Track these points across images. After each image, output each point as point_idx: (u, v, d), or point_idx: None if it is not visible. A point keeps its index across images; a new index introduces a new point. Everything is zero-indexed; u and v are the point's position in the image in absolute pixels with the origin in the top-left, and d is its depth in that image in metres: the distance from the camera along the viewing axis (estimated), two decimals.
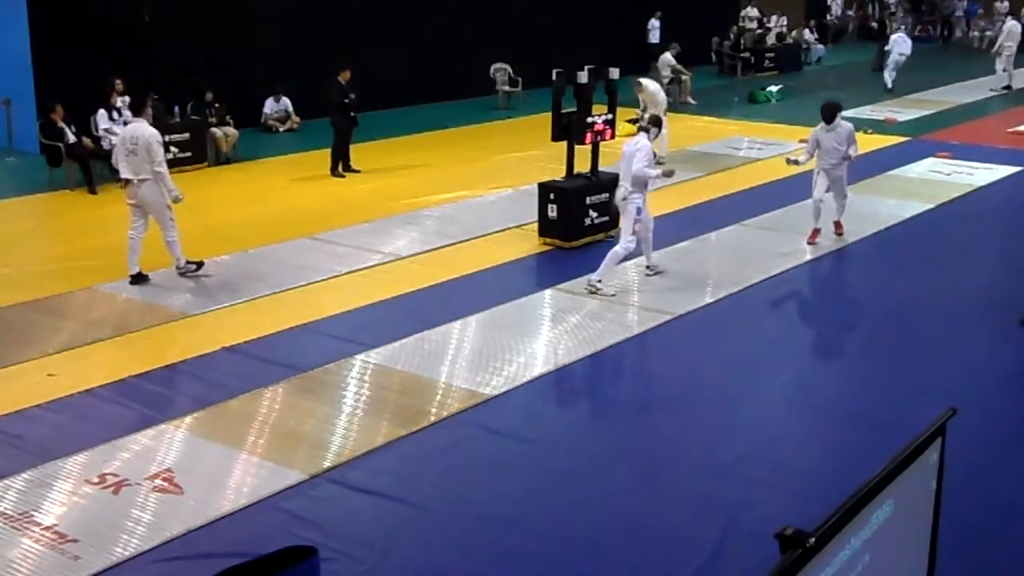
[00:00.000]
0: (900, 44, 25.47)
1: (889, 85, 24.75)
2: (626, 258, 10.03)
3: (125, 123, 12.52)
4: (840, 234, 11.76)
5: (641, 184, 9.77)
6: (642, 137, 9.98)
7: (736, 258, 11.20)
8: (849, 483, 3.01)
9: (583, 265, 10.49)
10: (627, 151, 9.94)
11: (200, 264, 10.38)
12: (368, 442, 6.89)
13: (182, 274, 10.29)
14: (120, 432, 6.95)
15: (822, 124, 11.28)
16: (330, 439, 6.95)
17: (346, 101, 14.58)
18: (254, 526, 5.88)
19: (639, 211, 9.81)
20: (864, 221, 12.49)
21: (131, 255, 10.08)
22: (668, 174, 10.17)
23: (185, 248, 11.23)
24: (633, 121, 18.47)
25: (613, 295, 9.75)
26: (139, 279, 10.07)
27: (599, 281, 9.80)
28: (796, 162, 11.72)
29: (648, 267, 10.45)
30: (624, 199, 9.86)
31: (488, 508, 6.16)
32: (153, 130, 10.14)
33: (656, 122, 10.31)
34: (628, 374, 8.50)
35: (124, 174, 10.05)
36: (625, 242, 9.81)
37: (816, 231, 11.48)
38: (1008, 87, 24.48)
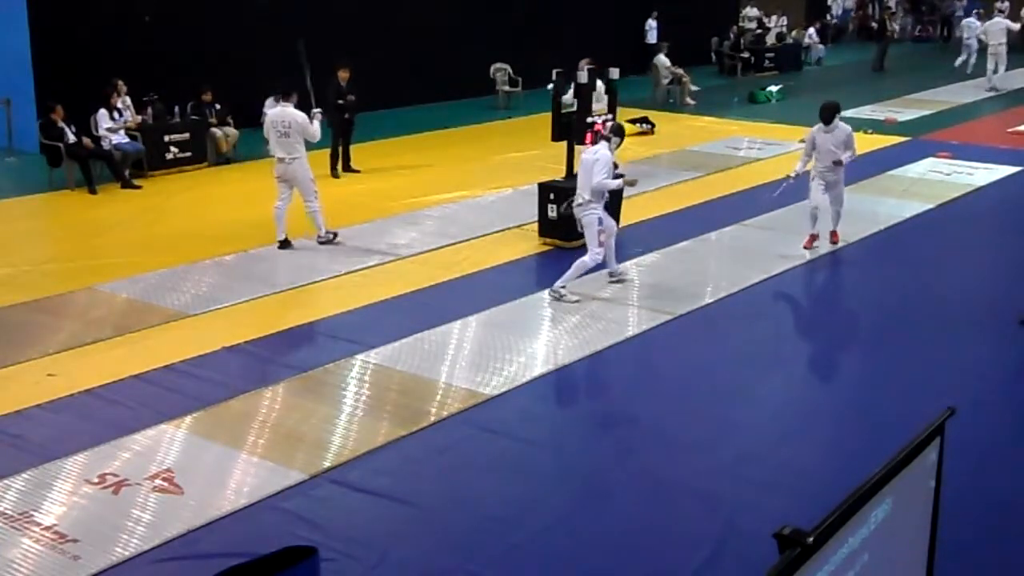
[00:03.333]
0: (967, 28, 26.04)
1: (956, 63, 25.73)
2: (593, 269, 9.82)
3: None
4: (835, 243, 11.49)
5: (599, 195, 9.55)
6: (602, 146, 9.67)
7: (736, 258, 11.20)
8: (849, 482, 3.01)
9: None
10: (586, 160, 9.67)
11: (336, 234, 11.35)
12: (368, 442, 6.89)
13: (322, 243, 11.25)
14: (120, 432, 6.95)
15: (820, 125, 11.06)
16: (330, 439, 6.95)
17: (340, 101, 14.53)
18: (254, 526, 5.89)
19: (600, 222, 9.59)
20: (864, 221, 12.49)
21: (278, 224, 11.15)
22: (631, 183, 9.94)
23: (185, 246, 11.27)
24: (634, 121, 18.54)
25: (576, 301, 9.56)
26: (285, 245, 11.16)
27: (563, 287, 9.63)
28: (796, 176, 11.21)
29: (610, 274, 10.16)
30: (581, 209, 9.61)
31: (488, 508, 6.16)
32: (302, 113, 11.12)
33: (618, 131, 9.96)
34: (628, 374, 8.50)
35: (277, 154, 11.04)
36: (593, 253, 9.57)
37: (813, 236, 11.27)
38: (994, 88, 23.99)
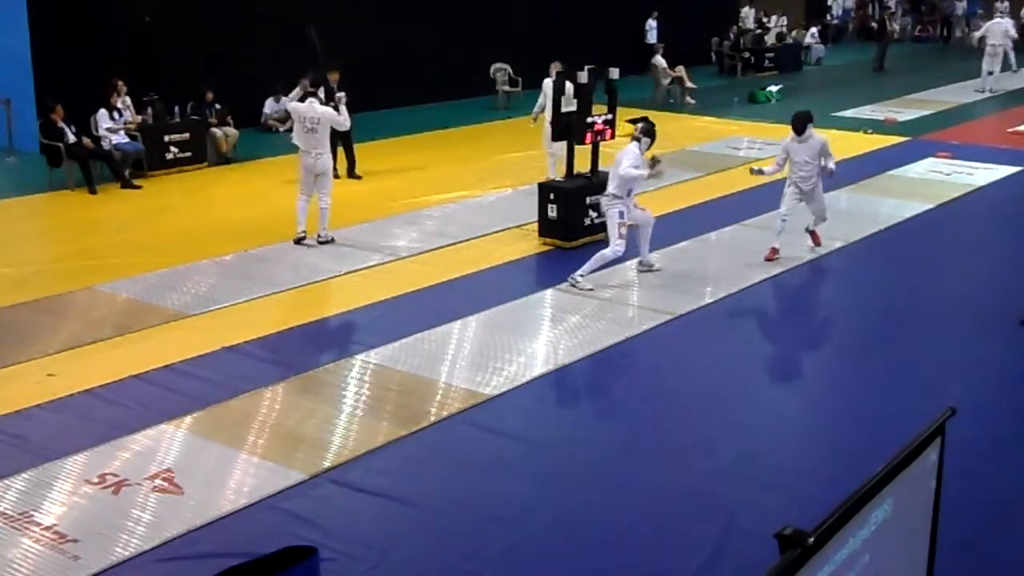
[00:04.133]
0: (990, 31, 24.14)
1: (983, 85, 23.67)
2: (615, 262, 10.12)
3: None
4: (817, 244, 11.22)
5: (625, 188, 9.86)
6: (632, 146, 10.05)
7: (736, 258, 11.19)
8: (849, 483, 3.01)
9: (583, 265, 10.50)
10: (617, 157, 10.05)
11: (333, 238, 11.39)
12: (368, 442, 6.89)
13: (321, 242, 11.30)
14: (120, 432, 6.95)
15: (792, 135, 10.68)
16: (330, 439, 6.95)
17: (331, 103, 14.41)
18: (254, 526, 5.88)
19: (622, 215, 9.89)
20: (864, 221, 12.50)
21: (300, 216, 11.34)
22: (657, 168, 10.32)
23: (185, 246, 11.27)
24: (634, 121, 18.52)
25: (591, 289, 9.82)
26: (301, 240, 11.32)
27: (581, 276, 9.89)
28: (760, 172, 11.04)
29: (640, 262, 10.47)
30: (607, 202, 9.98)
31: (488, 508, 6.16)
32: (327, 108, 11.30)
33: (649, 132, 10.15)
34: (628, 374, 8.50)
35: (304, 147, 11.19)
36: (614, 246, 9.91)
37: (774, 249, 10.81)
38: (984, 89, 23.68)
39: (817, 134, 10.84)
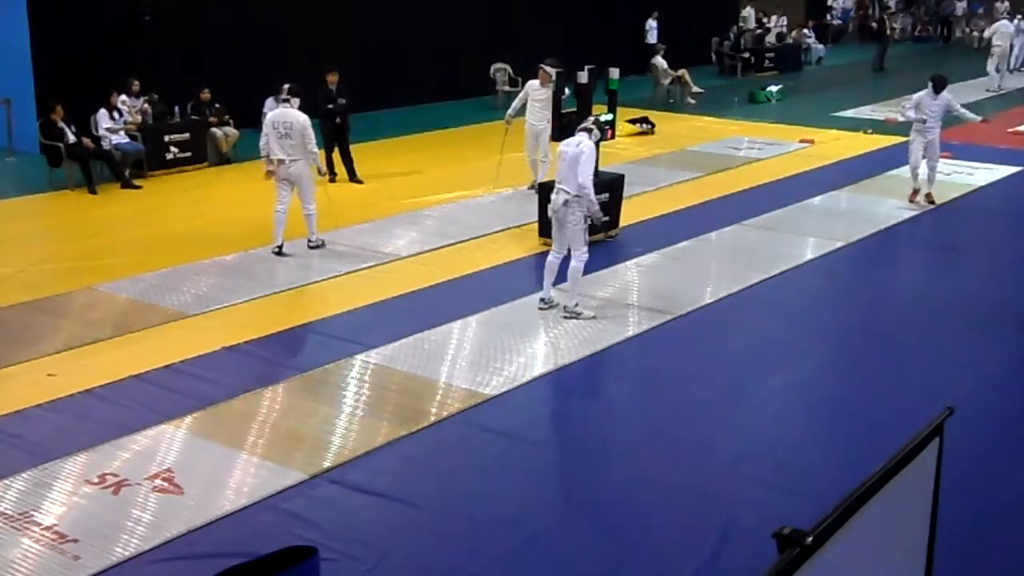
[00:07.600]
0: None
1: (994, 85, 24.16)
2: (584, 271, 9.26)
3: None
4: (932, 202, 13.24)
5: (583, 194, 8.85)
6: (584, 138, 8.99)
7: (736, 258, 11.21)
8: (848, 482, 3.01)
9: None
10: (568, 153, 8.88)
11: (324, 242, 11.28)
12: (368, 442, 6.89)
13: (312, 247, 11.14)
14: (120, 432, 6.96)
15: (929, 90, 13.27)
16: (330, 439, 6.96)
17: (330, 106, 14.38)
18: (254, 526, 5.89)
19: (586, 219, 8.97)
20: (864, 221, 12.51)
21: (277, 228, 10.99)
22: (598, 218, 9.35)
23: (185, 246, 11.27)
24: (634, 121, 18.54)
25: (593, 317, 9.16)
26: (280, 252, 11.00)
27: (576, 305, 9.14)
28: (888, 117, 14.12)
29: (543, 300, 9.38)
30: (567, 208, 8.92)
31: (488, 508, 6.16)
32: (305, 116, 10.92)
33: (599, 124, 9.38)
34: (628, 374, 8.50)
35: (277, 155, 10.89)
36: (581, 255, 9.03)
37: (915, 191, 13.35)
38: (998, 88, 23.98)
39: (946, 94, 13.31)
